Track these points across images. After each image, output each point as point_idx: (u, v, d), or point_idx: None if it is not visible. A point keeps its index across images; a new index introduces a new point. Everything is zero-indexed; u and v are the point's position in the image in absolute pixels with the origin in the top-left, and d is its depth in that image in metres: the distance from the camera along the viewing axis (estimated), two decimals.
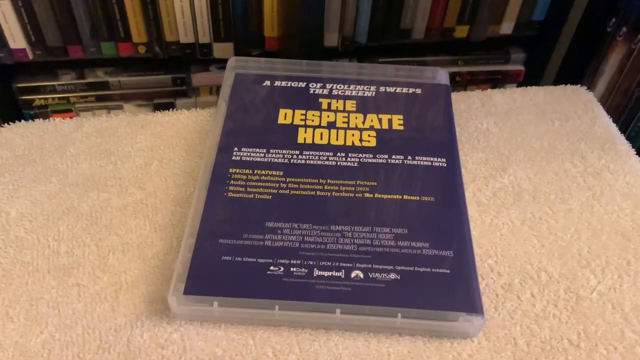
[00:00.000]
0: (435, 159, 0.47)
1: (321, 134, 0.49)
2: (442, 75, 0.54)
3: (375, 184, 0.45)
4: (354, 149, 0.48)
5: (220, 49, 0.88)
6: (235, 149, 0.47)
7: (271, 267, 0.39)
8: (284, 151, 0.47)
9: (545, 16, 0.92)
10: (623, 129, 0.54)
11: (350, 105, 0.51)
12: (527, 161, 0.51)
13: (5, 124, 0.53)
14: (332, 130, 0.49)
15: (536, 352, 0.39)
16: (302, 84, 0.53)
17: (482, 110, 0.56)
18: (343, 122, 0.50)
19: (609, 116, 0.56)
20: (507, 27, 0.93)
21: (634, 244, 0.45)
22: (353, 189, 0.45)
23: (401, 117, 0.50)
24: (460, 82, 0.98)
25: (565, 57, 0.93)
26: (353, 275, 0.39)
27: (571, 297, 0.42)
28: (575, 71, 0.95)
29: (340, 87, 0.53)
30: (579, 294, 0.42)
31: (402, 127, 0.50)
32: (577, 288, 0.42)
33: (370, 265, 0.40)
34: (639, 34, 0.82)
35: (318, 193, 0.44)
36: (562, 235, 0.46)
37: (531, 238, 0.45)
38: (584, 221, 0.47)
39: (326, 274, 0.39)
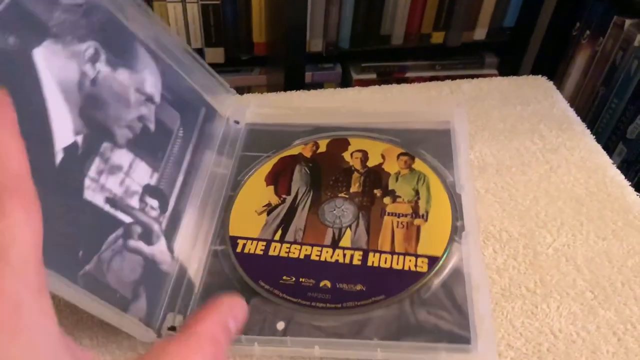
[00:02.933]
0: None
1: None
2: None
3: None
4: None
5: (212, 54, 0.93)
6: None
7: None
8: None
9: (516, 22, 0.98)
10: (590, 127, 0.59)
11: None
12: (492, 140, 0.56)
13: None
14: None
15: (497, 297, 0.43)
16: None
17: (452, 97, 0.61)
18: None
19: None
20: (480, 33, 0.99)
21: (587, 208, 0.50)
22: None
23: None
24: None
25: (536, 60, 1.00)
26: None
27: (529, 252, 0.46)
28: (546, 73, 1.01)
29: None
30: (536, 250, 0.47)
31: None
32: (535, 245, 0.47)
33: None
34: (601, 37, 0.88)
35: None
36: (522, 201, 0.50)
37: (494, 204, 0.50)
38: (542, 189, 0.52)
39: None
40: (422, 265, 0.42)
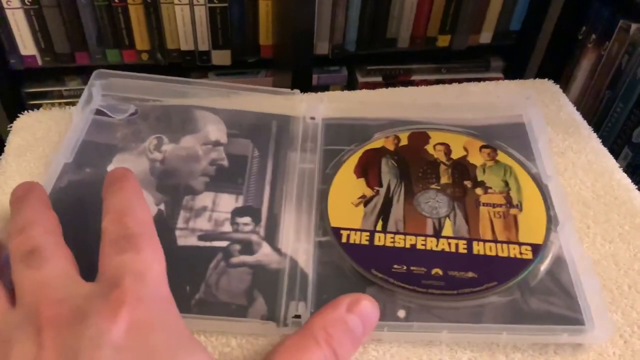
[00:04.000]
0: None
1: None
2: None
3: None
4: None
5: (219, 56, 0.93)
6: None
7: None
8: None
9: (522, 26, 0.99)
10: (595, 131, 0.59)
11: None
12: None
13: (25, 112, 0.58)
14: None
15: None
16: None
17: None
18: None
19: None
20: (486, 37, 1.00)
21: (594, 211, 0.51)
22: None
23: None
24: None
25: (541, 64, 1.00)
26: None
27: None
28: (551, 77, 1.02)
29: None
30: None
31: None
32: None
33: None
34: (607, 41, 0.88)
35: None
36: None
37: None
38: None
39: None
40: (527, 253, 0.44)
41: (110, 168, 0.48)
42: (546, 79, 0.65)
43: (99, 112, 0.53)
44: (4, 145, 0.55)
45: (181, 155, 0.50)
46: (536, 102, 0.56)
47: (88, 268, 0.40)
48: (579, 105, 0.93)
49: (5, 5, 0.82)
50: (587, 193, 0.52)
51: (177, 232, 0.45)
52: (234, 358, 0.40)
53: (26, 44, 0.87)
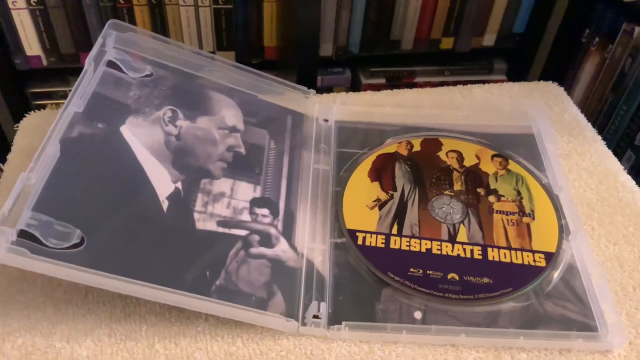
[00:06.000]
0: None
1: None
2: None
3: None
4: None
5: (223, 57, 0.94)
6: None
7: None
8: None
9: (525, 28, 0.99)
10: (598, 133, 0.60)
11: None
12: None
13: (32, 112, 0.58)
14: None
15: None
16: None
17: (463, 102, 0.61)
18: None
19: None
20: (489, 39, 1.00)
21: (598, 213, 0.51)
22: None
23: None
24: None
25: (545, 66, 1.00)
26: None
27: None
28: (554, 80, 1.02)
29: None
30: None
31: None
32: None
33: None
34: (610, 44, 0.88)
35: None
36: None
37: None
38: None
39: None
40: (540, 261, 0.45)
41: (123, 129, 0.47)
42: (550, 81, 0.66)
43: (111, 64, 0.51)
44: (9, 145, 0.55)
45: (198, 135, 0.50)
46: (545, 113, 0.56)
47: (93, 227, 0.40)
48: (582, 108, 0.93)
49: (10, 6, 0.82)
50: (591, 195, 0.53)
51: (196, 215, 0.45)
52: (240, 357, 0.41)
53: (31, 45, 0.87)
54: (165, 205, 0.44)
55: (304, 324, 0.42)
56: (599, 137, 0.58)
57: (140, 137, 0.47)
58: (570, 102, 0.62)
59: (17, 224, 0.38)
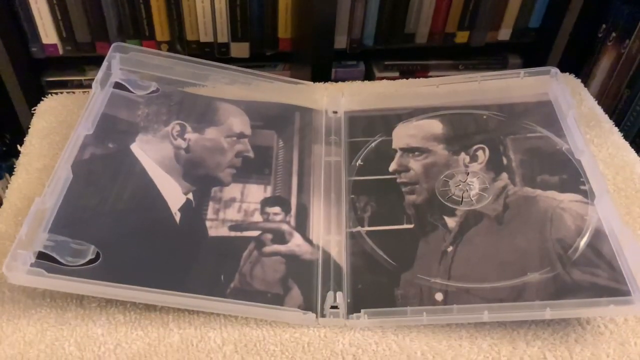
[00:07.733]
0: None
1: None
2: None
3: None
4: None
5: (237, 49, 0.94)
6: None
7: None
8: None
9: (541, 23, 0.98)
10: None
11: None
12: None
13: (49, 95, 0.59)
14: None
15: None
16: None
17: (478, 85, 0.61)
18: None
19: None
20: (505, 34, 0.99)
21: (615, 203, 0.50)
22: None
23: None
24: None
25: (560, 61, 0.99)
26: None
27: None
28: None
29: None
30: None
31: None
32: None
33: None
34: (627, 39, 0.88)
35: None
36: None
37: None
38: None
39: None
40: None
41: (134, 147, 0.49)
42: (567, 73, 0.65)
43: (117, 85, 0.54)
44: (25, 133, 0.55)
45: (206, 146, 0.51)
46: (561, 81, 0.54)
47: (107, 243, 0.41)
48: (598, 103, 0.92)
49: None
50: (608, 186, 0.52)
51: (208, 223, 0.46)
52: (254, 337, 0.40)
53: (48, 33, 0.87)
54: (177, 217, 0.46)
55: (323, 315, 0.41)
56: (616, 129, 0.58)
57: (151, 153, 0.48)
58: (587, 94, 0.62)
59: (35, 246, 0.40)
